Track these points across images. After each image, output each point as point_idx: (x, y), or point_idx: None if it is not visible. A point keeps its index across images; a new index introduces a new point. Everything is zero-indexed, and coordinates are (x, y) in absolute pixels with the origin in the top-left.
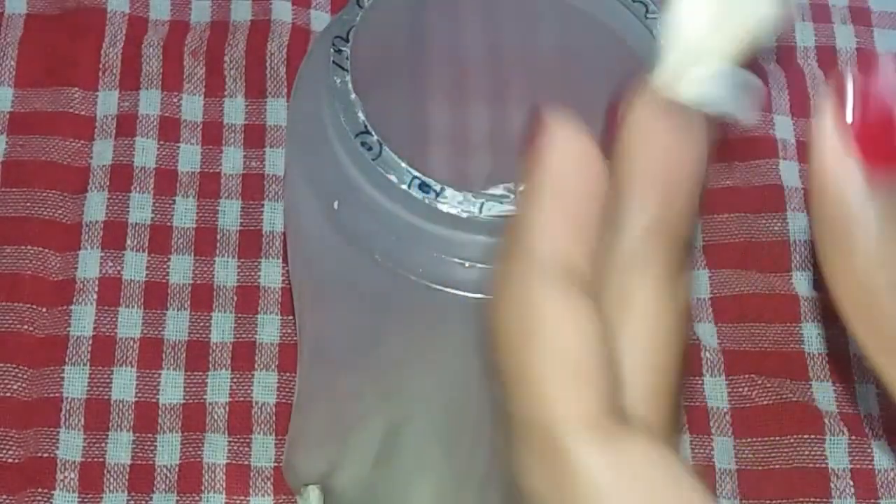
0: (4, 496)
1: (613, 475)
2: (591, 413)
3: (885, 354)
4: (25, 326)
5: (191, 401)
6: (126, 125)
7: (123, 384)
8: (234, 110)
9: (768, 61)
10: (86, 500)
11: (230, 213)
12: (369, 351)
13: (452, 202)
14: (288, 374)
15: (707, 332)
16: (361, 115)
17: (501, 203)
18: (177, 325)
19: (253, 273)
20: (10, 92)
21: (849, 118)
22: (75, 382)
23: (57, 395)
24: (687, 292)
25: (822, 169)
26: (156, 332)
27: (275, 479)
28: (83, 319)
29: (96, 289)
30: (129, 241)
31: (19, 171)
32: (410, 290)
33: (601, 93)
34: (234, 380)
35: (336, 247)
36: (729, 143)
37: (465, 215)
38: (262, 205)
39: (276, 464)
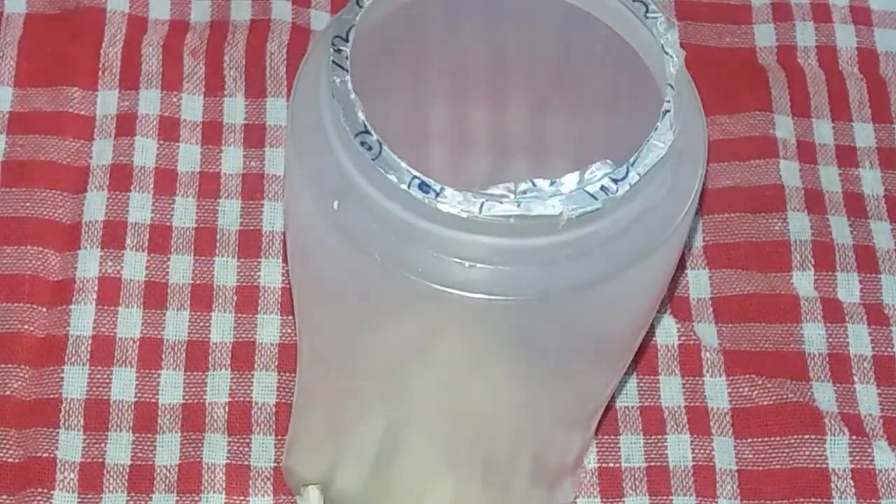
0: (4, 496)
1: None
2: None
3: None
4: (25, 326)
5: (190, 401)
6: (126, 125)
7: (123, 384)
8: (234, 110)
9: (769, 61)
10: (85, 500)
11: (230, 213)
12: (369, 351)
13: (452, 202)
14: (288, 374)
15: (707, 332)
16: (361, 115)
17: (501, 203)
18: (176, 325)
19: (253, 273)
20: (9, 91)
21: None
22: (75, 382)
23: (56, 395)
24: None
25: None
26: (155, 332)
27: (274, 480)
28: (83, 319)
29: (96, 288)
30: (128, 241)
31: (19, 170)
32: (410, 290)
33: (601, 92)
34: (234, 380)
35: (336, 247)
36: (729, 143)
37: (465, 215)
38: (262, 205)
39: (275, 464)
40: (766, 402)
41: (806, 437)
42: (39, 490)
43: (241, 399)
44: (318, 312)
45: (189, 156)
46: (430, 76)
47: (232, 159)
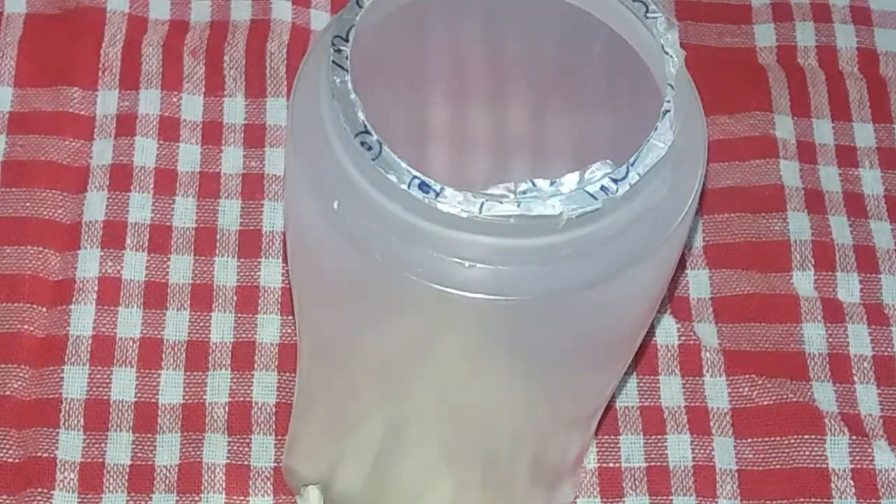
0: (4, 496)
1: None
2: None
3: None
4: (25, 326)
5: (190, 401)
6: (126, 125)
7: (123, 384)
8: (234, 110)
9: (769, 61)
10: (85, 500)
11: (230, 213)
12: (369, 351)
13: (452, 202)
14: (288, 374)
15: (707, 332)
16: (361, 115)
17: (501, 203)
18: (176, 325)
19: (253, 273)
20: (9, 91)
21: None
22: (75, 382)
23: (56, 395)
24: None
25: None
26: (155, 332)
27: (274, 480)
28: (83, 319)
29: (96, 289)
30: (128, 241)
31: (19, 171)
32: (410, 290)
33: (601, 92)
34: (234, 380)
35: (336, 247)
36: (729, 143)
37: (465, 215)
38: (262, 205)
39: (275, 464)
40: (766, 402)
41: (806, 437)
42: (39, 490)
43: (241, 399)
44: (318, 312)
45: (189, 156)
46: (430, 76)
47: (232, 159)
